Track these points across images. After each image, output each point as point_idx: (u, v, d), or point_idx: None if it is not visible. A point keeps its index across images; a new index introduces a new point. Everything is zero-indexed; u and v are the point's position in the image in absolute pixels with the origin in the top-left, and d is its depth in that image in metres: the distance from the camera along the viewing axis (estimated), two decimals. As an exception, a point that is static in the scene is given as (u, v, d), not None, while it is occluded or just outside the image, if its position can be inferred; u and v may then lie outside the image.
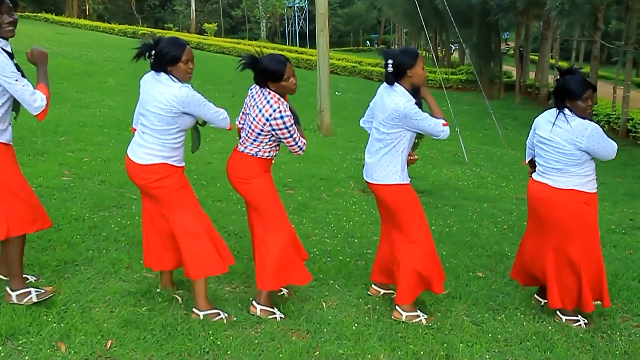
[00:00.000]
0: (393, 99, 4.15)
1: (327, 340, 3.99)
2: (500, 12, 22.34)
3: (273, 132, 4.07)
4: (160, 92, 3.82)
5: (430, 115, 4.21)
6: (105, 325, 3.86)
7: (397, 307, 4.41)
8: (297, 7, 60.35)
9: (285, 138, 4.10)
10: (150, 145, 3.92)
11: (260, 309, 4.25)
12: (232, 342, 3.82)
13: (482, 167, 10.94)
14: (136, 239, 5.37)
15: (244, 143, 4.21)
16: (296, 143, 4.16)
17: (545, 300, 4.69)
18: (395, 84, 4.20)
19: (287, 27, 62.69)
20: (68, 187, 6.66)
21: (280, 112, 4.01)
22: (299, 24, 60.97)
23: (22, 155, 7.65)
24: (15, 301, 3.93)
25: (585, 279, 4.41)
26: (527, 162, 4.87)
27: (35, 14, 41.96)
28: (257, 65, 4.11)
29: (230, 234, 5.77)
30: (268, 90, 4.10)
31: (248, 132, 4.16)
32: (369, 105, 4.60)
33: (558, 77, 4.42)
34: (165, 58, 3.84)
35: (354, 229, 6.39)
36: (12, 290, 3.97)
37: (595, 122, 4.29)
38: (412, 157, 4.44)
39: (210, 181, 7.54)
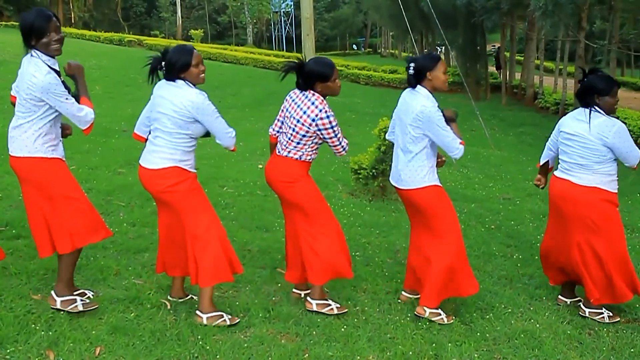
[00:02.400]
0: (419, 101, 4.22)
1: (316, 342, 4.00)
2: (485, 14, 22.40)
3: (319, 133, 4.21)
4: (176, 96, 3.90)
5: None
6: (93, 332, 3.85)
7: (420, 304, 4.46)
8: (284, 12, 60.33)
9: (330, 138, 4.24)
10: (162, 149, 3.96)
11: (317, 304, 4.37)
12: (221, 347, 3.82)
13: (469, 167, 10.97)
14: (124, 246, 5.37)
15: (287, 147, 4.31)
16: (340, 143, 4.29)
17: (571, 299, 4.86)
18: (419, 86, 4.28)
19: (274, 32, 62.63)
20: (55, 195, 6.63)
21: (326, 112, 4.16)
22: (285, 28, 60.94)
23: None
24: (60, 307, 4.00)
25: (614, 271, 4.50)
26: (541, 164, 4.98)
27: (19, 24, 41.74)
28: (304, 68, 4.24)
29: (219, 239, 5.76)
30: (312, 92, 4.24)
31: (291, 135, 4.27)
32: (392, 117, 4.65)
33: (579, 80, 4.59)
34: (177, 66, 3.92)
35: (342, 232, 6.40)
36: (58, 296, 4.01)
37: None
38: (440, 160, 4.50)
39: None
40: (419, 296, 4.63)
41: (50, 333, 3.78)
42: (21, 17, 3.77)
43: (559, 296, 4.95)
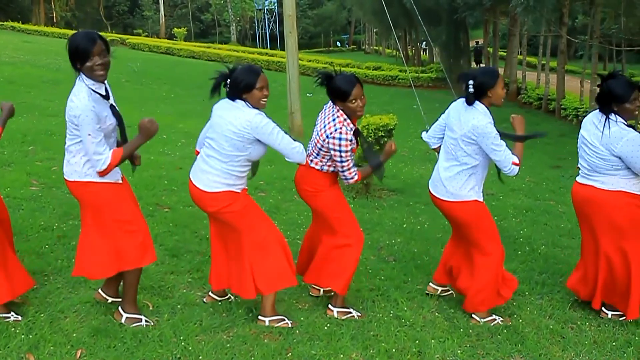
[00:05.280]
0: (475, 116, 4.15)
1: (299, 341, 3.99)
2: (467, 10, 22.49)
3: (330, 151, 4.12)
4: (236, 117, 3.83)
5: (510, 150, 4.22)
6: (74, 334, 3.83)
7: (472, 315, 4.47)
8: (267, 9, 60.19)
9: (339, 162, 4.14)
10: (216, 172, 3.91)
11: (338, 311, 4.40)
12: (203, 347, 3.80)
13: (453, 164, 10.99)
14: (106, 247, 5.31)
15: (310, 156, 4.26)
16: (344, 171, 4.17)
17: (613, 313, 4.58)
18: (477, 102, 4.19)
19: (258, 29, 62.47)
20: (36, 196, 6.58)
21: (340, 133, 4.05)
22: (269, 26, 60.81)
23: (-11, 166, 7.56)
24: (124, 322, 3.98)
25: (635, 281, 4.34)
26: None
27: (1, 23, 41.39)
28: (329, 83, 4.14)
29: (202, 239, 5.74)
30: (338, 108, 4.15)
31: (313, 146, 4.24)
32: (436, 121, 4.58)
33: (598, 83, 4.36)
34: (240, 85, 3.86)
35: (326, 230, 6.39)
36: (125, 312, 4.01)
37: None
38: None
39: (182, 186, 7.49)
40: (445, 289, 4.85)
41: (31, 336, 3.75)
42: (68, 40, 3.65)
43: (601, 309, 4.64)
